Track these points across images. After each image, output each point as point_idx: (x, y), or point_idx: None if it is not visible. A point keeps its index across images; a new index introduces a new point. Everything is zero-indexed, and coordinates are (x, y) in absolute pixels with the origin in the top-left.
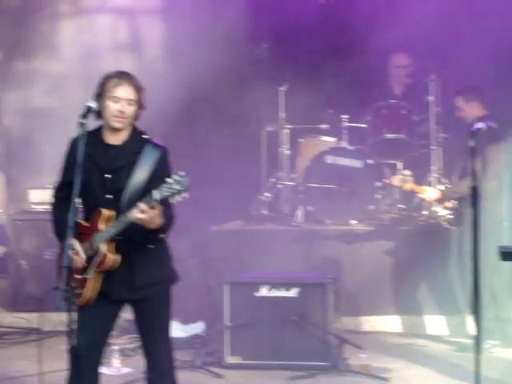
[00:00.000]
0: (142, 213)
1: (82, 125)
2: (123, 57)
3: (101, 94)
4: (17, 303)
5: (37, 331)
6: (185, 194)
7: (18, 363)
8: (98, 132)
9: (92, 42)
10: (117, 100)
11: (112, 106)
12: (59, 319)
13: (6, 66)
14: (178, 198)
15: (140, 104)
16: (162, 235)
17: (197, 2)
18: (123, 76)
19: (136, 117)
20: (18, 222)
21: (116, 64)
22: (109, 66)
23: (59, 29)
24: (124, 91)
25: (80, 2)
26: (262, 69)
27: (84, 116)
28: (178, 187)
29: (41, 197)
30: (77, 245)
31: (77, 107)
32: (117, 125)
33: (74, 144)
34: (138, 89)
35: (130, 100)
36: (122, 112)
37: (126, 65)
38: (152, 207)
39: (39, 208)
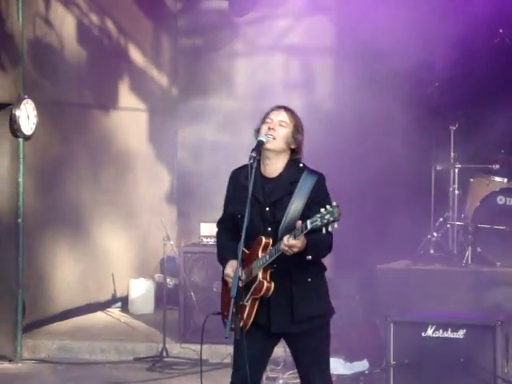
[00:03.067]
0: (287, 244)
1: (253, 159)
2: (295, 94)
3: (260, 128)
4: (186, 334)
5: (204, 363)
6: (336, 225)
7: None
8: (256, 165)
9: (265, 79)
10: (269, 121)
11: (263, 127)
12: (227, 352)
13: (182, 102)
14: (329, 229)
15: (294, 131)
16: (310, 258)
17: (367, 42)
18: (279, 105)
19: (289, 142)
20: (188, 255)
21: (287, 101)
22: (280, 104)
23: (235, 67)
24: (276, 113)
25: (255, 40)
26: (433, 107)
27: (255, 150)
28: (329, 217)
29: (211, 230)
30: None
31: (247, 143)
32: (267, 144)
33: (233, 177)
34: (292, 115)
35: (281, 121)
36: (271, 129)
37: (296, 102)
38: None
39: (209, 241)
